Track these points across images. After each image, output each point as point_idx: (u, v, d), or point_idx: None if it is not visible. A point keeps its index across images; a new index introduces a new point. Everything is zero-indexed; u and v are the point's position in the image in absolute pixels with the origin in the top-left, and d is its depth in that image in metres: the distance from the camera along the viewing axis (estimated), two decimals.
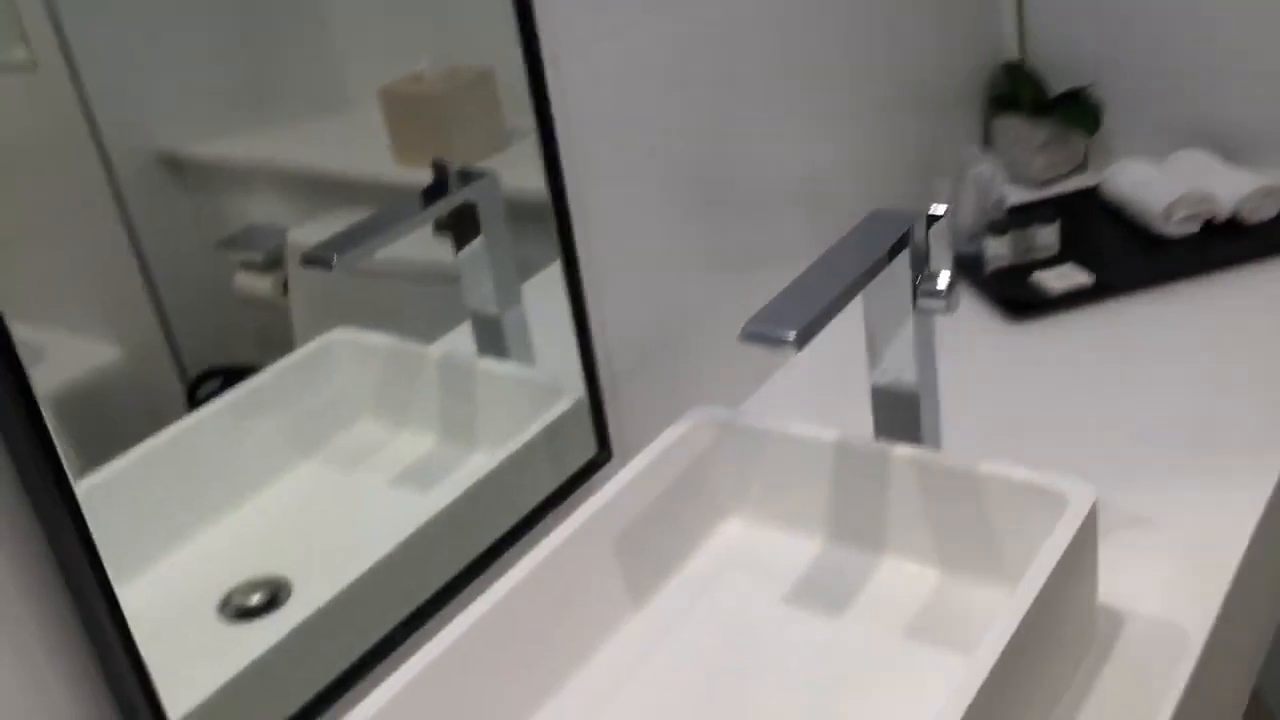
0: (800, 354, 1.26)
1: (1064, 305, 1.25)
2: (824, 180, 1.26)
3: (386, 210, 0.84)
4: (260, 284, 0.78)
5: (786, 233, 1.22)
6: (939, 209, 0.88)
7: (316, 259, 0.81)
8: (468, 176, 0.89)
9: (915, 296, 0.88)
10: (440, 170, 0.87)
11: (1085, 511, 0.79)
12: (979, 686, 0.66)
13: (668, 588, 0.92)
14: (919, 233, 0.87)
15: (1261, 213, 1.32)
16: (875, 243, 0.85)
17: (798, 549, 0.94)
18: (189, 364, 0.71)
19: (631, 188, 1.00)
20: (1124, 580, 0.89)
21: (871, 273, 0.83)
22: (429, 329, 0.87)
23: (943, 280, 0.87)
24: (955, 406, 1.13)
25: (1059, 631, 0.78)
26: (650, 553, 0.91)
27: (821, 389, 1.20)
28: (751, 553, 0.95)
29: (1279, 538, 1.02)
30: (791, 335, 0.75)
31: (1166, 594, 0.87)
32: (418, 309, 0.87)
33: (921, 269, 0.88)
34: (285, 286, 0.78)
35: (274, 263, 0.77)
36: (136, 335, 0.68)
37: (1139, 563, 0.91)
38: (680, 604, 0.91)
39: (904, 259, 0.87)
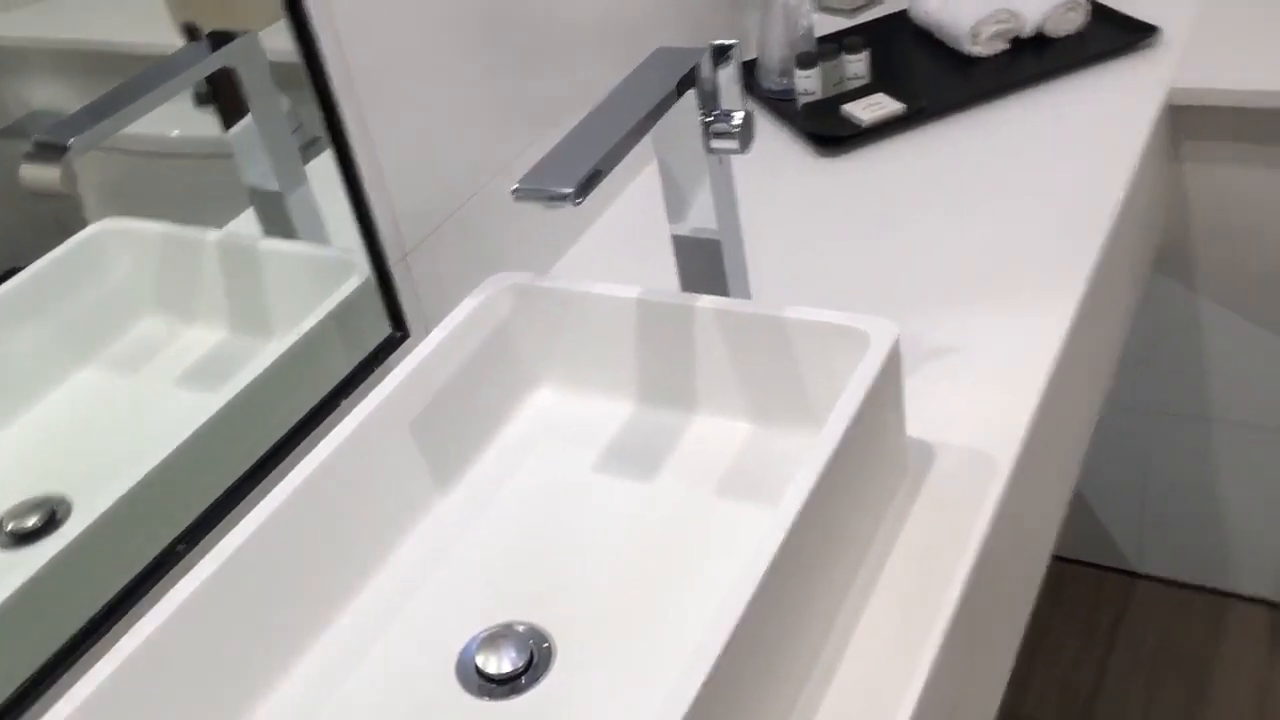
0: (614, 208, 1.21)
1: (876, 135, 1.22)
2: (626, 19, 1.19)
3: (131, 83, 0.76)
4: (47, 175, 0.70)
5: (589, 78, 1.15)
6: (726, 42, 0.83)
7: (46, 144, 0.72)
8: (221, 39, 0.80)
9: (707, 137, 0.83)
10: (192, 34, 0.78)
11: (887, 350, 0.77)
12: (786, 531, 0.64)
13: (477, 465, 0.88)
14: (705, 69, 0.81)
15: (1066, 25, 1.30)
16: (659, 82, 0.79)
17: (608, 412, 0.91)
18: None
19: (407, 39, 0.92)
20: (933, 412, 0.88)
21: (655, 115, 0.78)
22: (219, 214, 0.79)
23: (735, 119, 0.82)
24: (767, 248, 1.10)
25: (868, 469, 0.76)
26: (455, 431, 0.87)
27: (636, 245, 1.15)
28: (562, 420, 0.91)
29: (1084, 362, 1.03)
30: (569, 189, 0.70)
31: (974, 423, 0.87)
32: (210, 193, 0.80)
33: (711, 107, 0.83)
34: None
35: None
36: None
37: (948, 394, 0.90)
38: (491, 480, 0.87)
39: (691, 98, 0.81)
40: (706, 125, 0.83)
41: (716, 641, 0.59)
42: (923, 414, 0.89)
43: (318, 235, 0.87)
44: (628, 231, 1.17)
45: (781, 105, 1.29)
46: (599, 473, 0.86)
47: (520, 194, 0.71)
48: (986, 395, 0.89)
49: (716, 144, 0.83)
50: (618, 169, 1.24)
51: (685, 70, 0.80)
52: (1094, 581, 1.70)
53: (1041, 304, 0.97)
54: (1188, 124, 1.28)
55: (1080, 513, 1.68)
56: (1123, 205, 1.07)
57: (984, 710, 0.87)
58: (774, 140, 1.26)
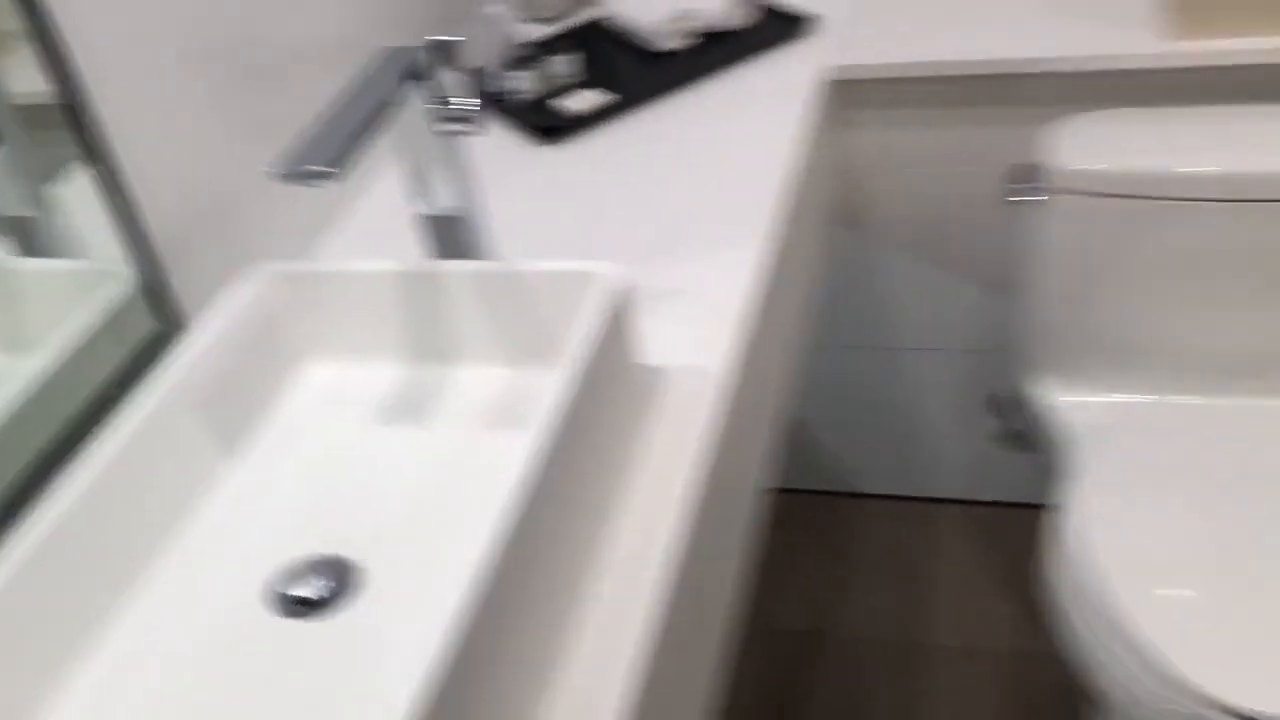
0: (363, 197, 1.31)
1: (589, 124, 1.38)
2: (345, 35, 1.30)
3: None
4: None
5: (320, 90, 1.25)
6: (443, 37, 0.95)
7: None
8: None
9: (437, 122, 0.95)
10: None
11: (613, 287, 0.91)
12: (540, 451, 0.75)
13: (263, 438, 0.96)
14: (426, 60, 0.93)
15: (735, 20, 1.50)
16: (389, 73, 0.91)
17: (380, 375, 1.01)
18: None
19: (149, 66, 1.00)
20: (661, 343, 1.04)
21: (387, 101, 0.89)
22: None
23: (459, 104, 0.95)
24: (502, 227, 1.22)
25: (607, 392, 0.90)
26: (235, 410, 0.95)
27: (385, 230, 1.26)
28: (337, 388, 1.00)
29: (779, 294, 1.21)
30: (328, 167, 0.80)
31: (695, 348, 1.02)
32: None
33: (437, 96, 0.95)
34: None
35: None
36: None
37: (670, 327, 1.05)
38: (278, 446, 0.95)
39: (418, 88, 0.93)
40: (435, 111, 0.95)
41: (493, 551, 0.69)
42: (653, 345, 1.04)
43: (79, 251, 0.93)
44: (376, 219, 1.27)
45: (502, 104, 1.42)
46: (380, 425, 0.96)
47: (282, 176, 0.81)
48: (701, 324, 1.05)
49: (447, 127, 0.95)
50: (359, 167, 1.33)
51: (407, 62, 0.92)
52: (826, 506, 1.92)
53: (736, 250, 1.14)
54: (847, 97, 1.50)
55: (806, 447, 1.89)
56: (793, 165, 1.26)
57: (724, 586, 1.03)
58: (499, 136, 1.39)
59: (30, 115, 0.88)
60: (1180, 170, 1.29)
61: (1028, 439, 1.75)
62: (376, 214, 1.29)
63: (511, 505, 0.72)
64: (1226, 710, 1.07)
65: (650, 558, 0.84)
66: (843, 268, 1.68)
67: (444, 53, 0.95)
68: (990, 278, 1.62)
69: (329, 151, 0.82)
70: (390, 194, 1.31)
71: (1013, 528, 1.83)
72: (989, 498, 1.87)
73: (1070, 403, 1.45)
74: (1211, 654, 1.10)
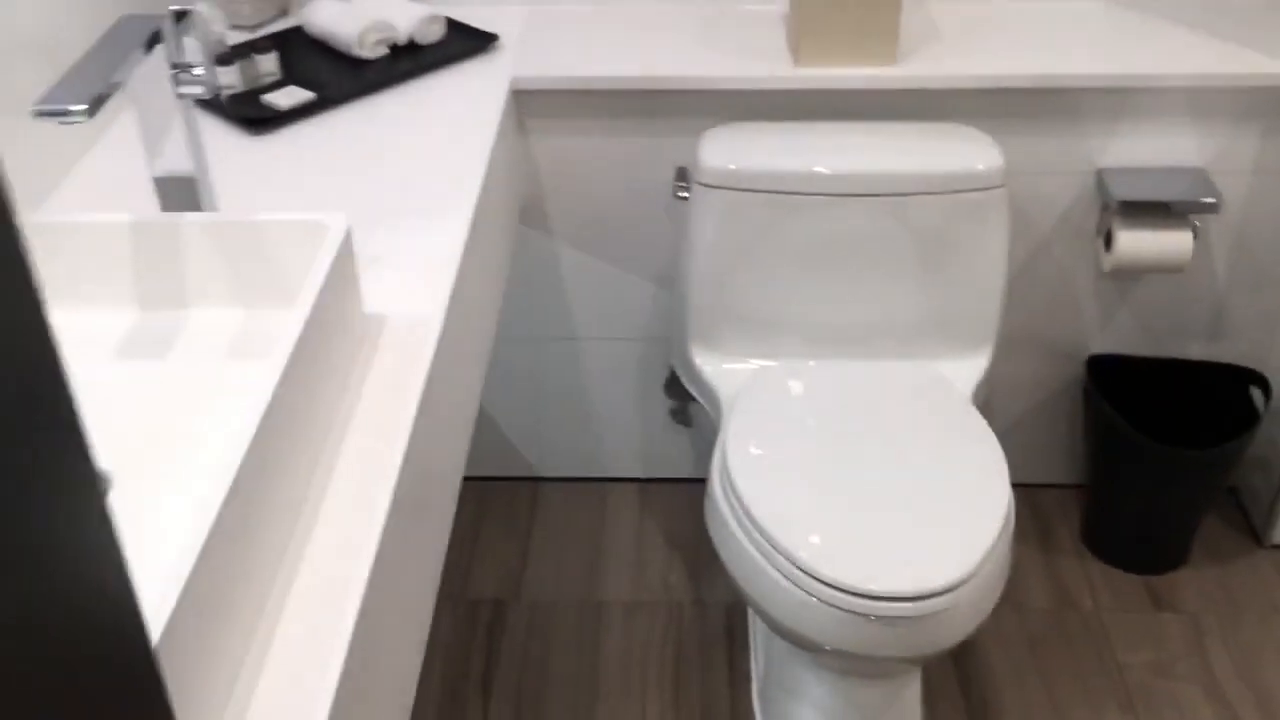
0: (92, 161, 1.35)
1: (293, 118, 1.49)
2: (49, 44, 1.35)
3: None
4: None
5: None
6: (185, 7, 1.05)
7: None
8: None
9: (176, 85, 1.05)
10: None
11: (342, 235, 1.04)
12: (275, 382, 0.86)
13: None
14: (169, 28, 1.03)
15: (430, 35, 1.66)
16: (130, 36, 1.00)
17: (114, 323, 1.08)
18: None
19: None
20: (382, 295, 1.17)
21: (130, 50, 0.97)
22: None
23: (198, 69, 1.05)
24: (223, 205, 1.32)
25: (335, 331, 1.02)
26: None
27: (113, 189, 1.31)
28: (77, 337, 1.06)
29: (478, 266, 1.37)
30: (84, 106, 0.89)
31: (412, 299, 1.16)
32: None
33: (177, 61, 1.05)
34: None
35: None
36: None
37: (391, 281, 1.19)
38: None
39: (159, 53, 1.03)
40: (174, 75, 1.05)
41: (231, 466, 0.78)
42: (375, 296, 1.17)
43: None
44: (107, 181, 1.32)
45: (209, 101, 1.51)
46: (120, 361, 1.03)
47: (39, 114, 0.89)
48: (418, 279, 1.19)
49: (185, 90, 1.05)
50: (81, 131, 1.37)
51: (152, 29, 1.02)
52: (510, 491, 2.08)
53: (440, 225, 1.29)
54: (528, 106, 1.69)
55: (493, 437, 2.05)
56: (485, 161, 1.43)
57: (439, 501, 1.17)
58: (208, 128, 1.48)
59: None
60: (797, 170, 1.57)
61: (692, 415, 2.00)
62: (107, 177, 1.34)
63: (253, 422, 0.82)
64: (837, 588, 1.31)
65: (379, 466, 0.97)
66: (525, 264, 1.86)
67: (184, 22, 1.05)
68: (659, 271, 1.86)
69: (80, 92, 0.91)
70: (120, 157, 1.36)
71: (678, 499, 2.06)
72: (660, 475, 2.09)
73: (716, 370, 1.70)
74: (831, 547, 1.35)
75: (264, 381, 0.86)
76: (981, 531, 1.37)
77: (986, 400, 1.96)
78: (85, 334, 1.07)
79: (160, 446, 0.95)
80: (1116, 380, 1.90)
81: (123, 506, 0.89)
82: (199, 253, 1.07)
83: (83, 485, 0.46)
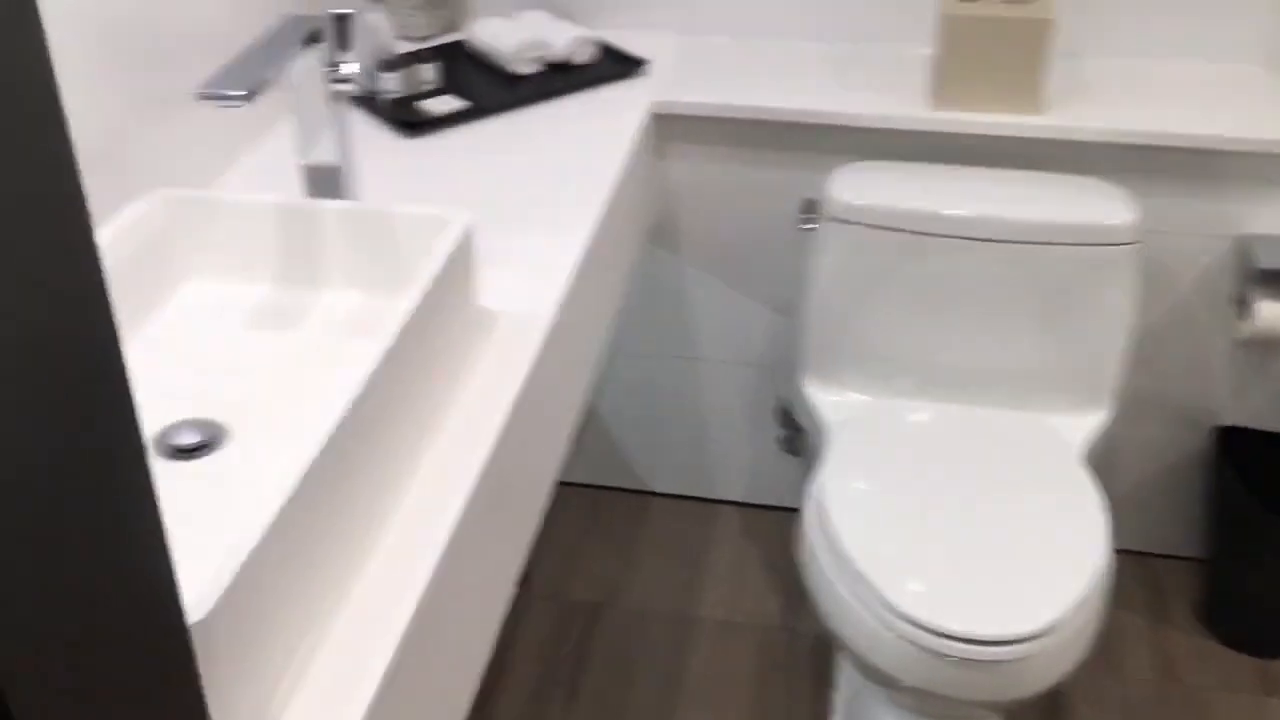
0: (256, 150, 1.47)
1: (446, 124, 1.58)
2: (224, 41, 1.47)
3: None
4: None
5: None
6: (345, 10, 1.15)
7: None
8: None
9: (329, 82, 1.14)
10: None
11: (462, 230, 1.11)
12: (379, 358, 0.92)
13: (141, 337, 1.12)
14: (328, 29, 1.13)
15: (582, 55, 1.74)
16: (291, 33, 1.10)
17: (252, 296, 1.18)
18: None
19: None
20: (497, 290, 1.24)
21: (291, 46, 1.07)
22: None
23: (348, 68, 1.14)
24: (368, 197, 1.41)
25: (446, 318, 1.09)
26: (120, 314, 1.10)
27: (272, 176, 1.43)
28: (214, 300, 1.17)
29: (595, 274, 1.43)
30: (242, 91, 0.98)
31: (525, 297, 1.23)
32: None
33: (333, 59, 1.14)
34: None
35: None
36: None
37: (507, 279, 1.26)
38: (160, 342, 1.11)
39: (316, 51, 1.13)
40: (328, 74, 1.14)
41: (332, 421, 0.85)
42: (490, 290, 1.24)
43: None
44: (267, 168, 1.44)
45: (370, 103, 1.62)
46: (247, 330, 1.13)
47: (203, 97, 0.99)
48: (533, 282, 1.26)
49: (337, 87, 1.15)
50: (254, 123, 1.50)
51: (312, 28, 1.11)
52: (619, 501, 2.13)
53: (563, 232, 1.36)
54: (668, 130, 1.75)
55: (606, 448, 2.11)
56: (617, 177, 1.50)
57: (532, 488, 1.23)
58: (366, 129, 1.58)
59: None
60: (926, 210, 1.59)
61: (801, 444, 2.02)
62: (267, 165, 1.46)
63: (354, 389, 0.89)
64: (917, 624, 1.32)
65: (468, 453, 1.04)
66: (652, 281, 1.92)
67: (342, 25, 1.14)
68: (780, 299, 1.89)
69: (241, 80, 1.00)
70: (279, 149, 1.48)
71: (782, 527, 2.08)
72: (765, 502, 2.12)
73: (826, 401, 1.72)
74: (917, 586, 1.36)
75: (369, 357, 0.93)
76: (1070, 585, 1.35)
77: (1104, 461, 1.92)
78: (223, 302, 1.17)
79: (272, 411, 1.04)
80: (1246, 454, 1.84)
81: (230, 463, 0.98)
82: (333, 237, 1.16)
83: (135, 463, 0.50)
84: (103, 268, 0.47)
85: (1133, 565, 1.98)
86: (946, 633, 1.31)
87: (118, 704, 0.50)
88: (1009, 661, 1.31)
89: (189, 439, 0.99)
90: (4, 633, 0.42)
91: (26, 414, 0.43)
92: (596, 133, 1.59)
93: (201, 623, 0.70)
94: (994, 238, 1.59)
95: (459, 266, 1.11)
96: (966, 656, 1.31)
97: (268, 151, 1.51)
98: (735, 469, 2.09)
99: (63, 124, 0.44)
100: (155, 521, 0.52)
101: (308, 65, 1.14)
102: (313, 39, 1.12)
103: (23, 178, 0.42)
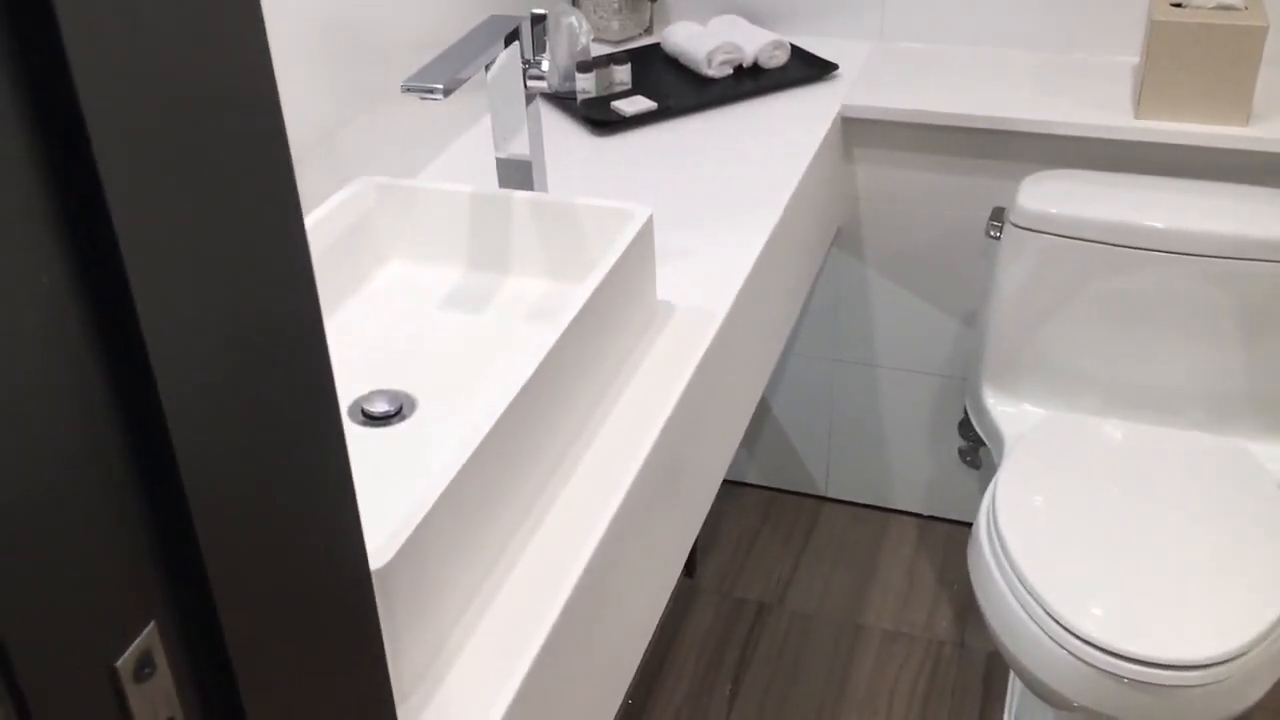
0: (457, 143, 1.56)
1: (637, 124, 1.63)
2: (440, 36, 1.56)
3: None
4: None
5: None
6: (541, 10, 1.21)
7: None
8: None
9: (525, 79, 1.20)
10: None
11: (642, 223, 1.15)
12: (554, 339, 0.97)
13: (344, 311, 1.20)
14: (525, 28, 1.19)
15: (774, 60, 1.76)
16: (492, 32, 1.16)
17: (445, 276, 1.25)
18: None
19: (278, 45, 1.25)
20: (676, 285, 1.28)
21: (491, 44, 1.14)
22: None
23: (544, 65, 1.20)
24: (558, 189, 1.47)
25: (623, 307, 1.13)
26: (326, 291, 1.18)
27: (477, 167, 1.51)
28: (411, 281, 1.24)
29: (774, 273, 1.45)
30: (440, 85, 1.05)
31: (703, 292, 1.26)
32: None
33: (528, 57, 1.20)
34: None
35: None
36: None
37: (686, 275, 1.29)
38: (360, 316, 1.19)
39: (515, 49, 1.19)
40: (524, 70, 1.20)
41: (509, 396, 0.90)
42: (669, 285, 1.27)
43: None
44: (467, 160, 1.52)
45: (565, 101, 1.68)
46: (439, 310, 1.20)
47: (407, 89, 1.06)
48: (711, 279, 1.29)
49: (532, 84, 1.20)
50: (461, 118, 1.58)
51: (511, 27, 1.18)
52: (794, 505, 2.14)
53: (745, 231, 1.38)
54: (857, 135, 1.75)
55: (784, 450, 2.12)
56: (801, 178, 1.51)
57: (705, 486, 1.25)
58: (560, 125, 1.65)
59: None
60: (1119, 221, 1.54)
61: (983, 458, 1.98)
62: (471, 157, 1.54)
63: (531, 365, 0.94)
64: (1091, 644, 1.28)
65: (634, 440, 1.07)
66: (836, 285, 1.92)
67: (540, 24, 1.20)
68: (967, 309, 1.86)
69: (440, 75, 1.07)
70: (482, 143, 1.56)
71: (958, 540, 2.04)
72: (943, 514, 2.08)
73: (1005, 413, 1.68)
74: (1094, 607, 1.32)
75: (547, 339, 0.98)
76: (1256, 616, 1.29)
77: None
78: (420, 282, 1.24)
79: (458, 385, 1.10)
80: None
81: (417, 430, 1.04)
82: (522, 226, 1.22)
83: (333, 435, 0.55)
84: (309, 252, 0.52)
85: None
86: (1119, 652, 1.27)
87: (306, 636, 0.56)
88: (1182, 688, 1.26)
89: (381, 407, 1.06)
90: (223, 568, 0.48)
91: (242, 378, 0.48)
92: (784, 135, 1.60)
93: (382, 570, 0.76)
94: (1192, 252, 1.53)
95: (638, 258, 1.15)
96: (1139, 678, 1.27)
97: (472, 145, 1.59)
98: (913, 479, 2.07)
99: (278, 117, 0.49)
100: (346, 477, 0.57)
101: (507, 63, 1.20)
102: (513, 38, 1.18)
103: (244, 174, 0.47)
